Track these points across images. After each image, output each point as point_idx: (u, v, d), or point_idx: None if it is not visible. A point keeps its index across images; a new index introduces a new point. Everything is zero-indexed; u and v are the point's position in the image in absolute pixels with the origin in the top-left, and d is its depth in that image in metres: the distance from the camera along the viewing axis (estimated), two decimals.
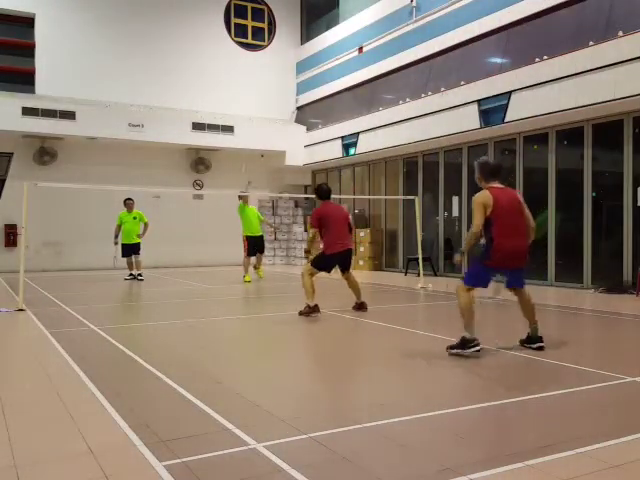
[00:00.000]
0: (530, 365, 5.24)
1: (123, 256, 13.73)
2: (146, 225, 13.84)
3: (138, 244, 13.71)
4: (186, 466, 2.96)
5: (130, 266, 13.76)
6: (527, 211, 5.75)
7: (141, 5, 18.08)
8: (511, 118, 11.97)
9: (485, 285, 5.73)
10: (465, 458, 3.08)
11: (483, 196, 5.58)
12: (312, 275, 8.03)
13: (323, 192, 8.30)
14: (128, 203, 13.84)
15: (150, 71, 17.98)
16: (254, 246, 13.39)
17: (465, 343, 5.43)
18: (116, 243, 13.68)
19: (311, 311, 7.90)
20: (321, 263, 8.12)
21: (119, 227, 13.74)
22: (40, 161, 16.66)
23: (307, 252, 8.48)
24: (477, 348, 5.40)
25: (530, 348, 5.72)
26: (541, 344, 5.71)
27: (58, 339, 6.35)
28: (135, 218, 13.74)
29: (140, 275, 13.64)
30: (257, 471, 2.94)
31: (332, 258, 8.10)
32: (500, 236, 5.44)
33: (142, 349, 5.94)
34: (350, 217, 8.44)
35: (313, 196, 7.81)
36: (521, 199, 5.77)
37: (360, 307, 8.45)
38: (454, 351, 5.46)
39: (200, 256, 18.08)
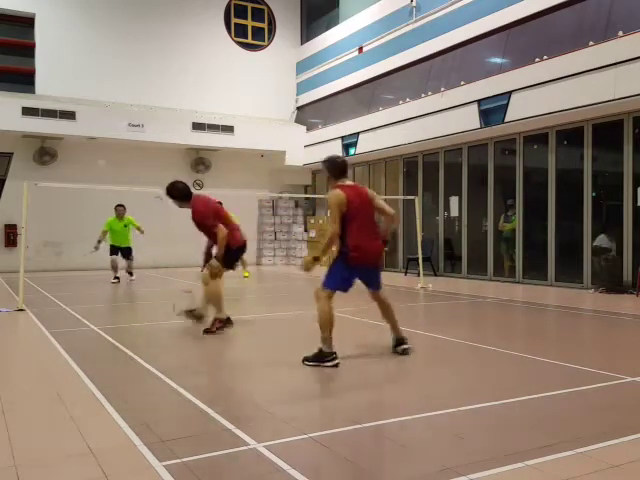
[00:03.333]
0: (530, 365, 5.23)
1: (111, 254, 12.99)
2: (140, 229, 12.99)
3: (129, 247, 13.12)
4: (186, 466, 2.96)
5: (115, 268, 12.94)
6: (381, 202, 5.42)
7: (141, 5, 18.07)
8: (511, 118, 11.97)
9: (346, 289, 5.28)
10: (465, 458, 3.08)
11: (335, 195, 5.15)
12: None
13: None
14: (119, 209, 13.01)
15: (150, 71, 17.98)
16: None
17: (323, 357, 5.04)
18: (97, 248, 12.72)
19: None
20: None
21: (105, 233, 12.94)
22: (40, 161, 16.65)
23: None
24: (335, 362, 5.02)
25: (397, 352, 5.44)
26: (405, 346, 5.45)
27: (58, 339, 6.35)
28: (126, 226, 13.00)
29: (131, 274, 13.19)
30: (257, 471, 2.94)
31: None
32: (355, 236, 5.10)
33: (142, 349, 5.94)
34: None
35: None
36: (372, 197, 5.39)
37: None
38: (311, 363, 5.06)
39: (200, 256, 18.05)
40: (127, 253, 13.12)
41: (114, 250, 13.06)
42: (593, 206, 11.35)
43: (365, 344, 6.41)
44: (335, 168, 5.41)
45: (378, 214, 5.44)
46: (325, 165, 5.50)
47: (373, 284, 5.46)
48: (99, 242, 12.84)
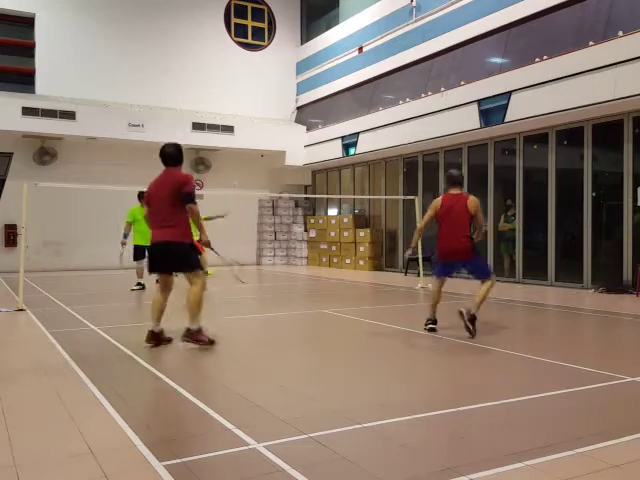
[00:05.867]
0: (530, 365, 5.24)
1: (135, 259, 11.05)
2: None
3: None
4: (186, 466, 2.96)
5: (140, 273, 11.11)
6: (479, 215, 6.59)
7: (141, 5, 18.08)
8: (511, 118, 11.97)
9: (449, 275, 6.90)
10: (465, 458, 3.08)
11: (435, 200, 6.81)
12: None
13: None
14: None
15: (150, 71, 17.98)
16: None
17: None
18: (124, 244, 11.01)
19: None
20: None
21: (130, 225, 11.03)
22: (40, 161, 16.66)
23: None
24: (432, 326, 6.59)
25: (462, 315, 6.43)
26: (473, 313, 6.39)
27: (58, 339, 6.35)
28: None
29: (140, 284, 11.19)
30: (257, 471, 2.94)
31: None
32: (441, 237, 6.63)
33: (142, 349, 5.93)
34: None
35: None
36: (469, 205, 6.55)
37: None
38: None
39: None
40: None
41: (140, 252, 10.69)
42: (593, 206, 11.36)
43: (364, 344, 6.41)
44: (446, 180, 6.95)
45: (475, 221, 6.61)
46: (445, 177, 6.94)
47: (474, 275, 6.79)
48: (125, 237, 11.01)
